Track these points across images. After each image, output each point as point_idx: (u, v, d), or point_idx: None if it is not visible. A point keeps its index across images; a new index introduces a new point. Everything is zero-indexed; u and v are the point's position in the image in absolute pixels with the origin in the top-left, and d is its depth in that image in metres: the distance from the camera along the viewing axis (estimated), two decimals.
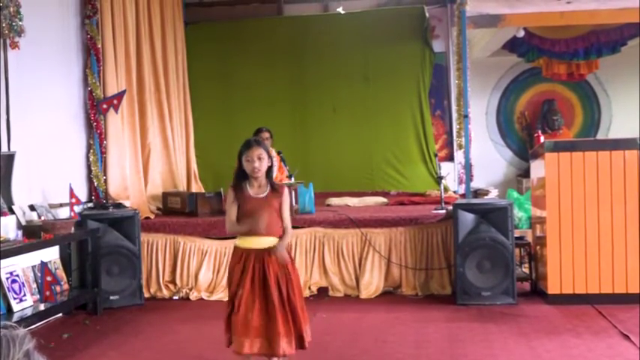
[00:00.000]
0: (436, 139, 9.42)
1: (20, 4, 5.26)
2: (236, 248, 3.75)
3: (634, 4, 6.88)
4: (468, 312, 5.54)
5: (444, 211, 6.39)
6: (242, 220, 3.68)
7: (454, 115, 8.63)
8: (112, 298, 5.93)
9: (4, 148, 5.18)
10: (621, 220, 5.60)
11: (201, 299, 6.26)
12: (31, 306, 5.05)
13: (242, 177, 3.71)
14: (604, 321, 5.06)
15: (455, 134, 8.60)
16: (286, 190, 3.76)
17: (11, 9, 5.17)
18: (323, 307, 5.81)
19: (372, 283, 6.24)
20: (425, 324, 5.17)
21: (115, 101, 6.56)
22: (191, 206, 6.89)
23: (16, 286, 4.98)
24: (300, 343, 3.66)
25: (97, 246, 5.79)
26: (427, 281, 6.24)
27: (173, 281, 6.44)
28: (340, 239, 6.32)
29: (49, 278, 5.22)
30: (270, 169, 3.72)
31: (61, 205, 5.89)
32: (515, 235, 6.03)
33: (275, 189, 3.72)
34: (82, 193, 6.36)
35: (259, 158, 3.65)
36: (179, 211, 7.02)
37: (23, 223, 5.26)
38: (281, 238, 3.68)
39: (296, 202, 6.61)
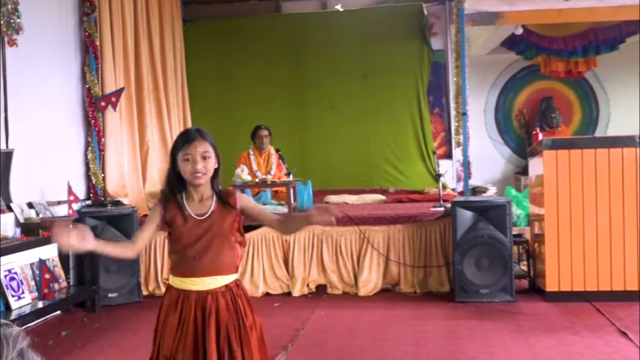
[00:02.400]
0: (434, 137, 9.42)
1: (18, 1, 5.26)
2: (169, 288, 2.60)
3: (633, 1, 6.86)
4: (466, 309, 5.54)
5: (442, 209, 6.39)
6: (177, 253, 2.57)
7: (452, 113, 8.61)
8: (110, 295, 5.93)
9: (2, 146, 5.18)
10: (619, 218, 5.60)
11: None
12: (29, 304, 5.05)
13: (176, 185, 2.57)
14: (602, 318, 5.07)
15: (453, 132, 8.56)
16: (238, 193, 2.70)
17: (9, 6, 5.16)
18: (321, 305, 5.82)
19: (370, 281, 6.24)
20: (423, 321, 5.17)
21: (114, 99, 6.55)
22: None
23: (14, 284, 4.98)
24: None
25: None
26: (425, 279, 6.24)
27: None
28: (339, 237, 6.32)
29: (47, 276, 5.22)
30: (217, 172, 2.58)
31: (59, 203, 5.89)
32: (514, 233, 6.03)
33: (223, 200, 2.57)
34: (80, 191, 6.35)
35: (204, 157, 2.50)
36: None
37: (21, 220, 5.26)
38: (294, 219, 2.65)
39: (294, 200, 6.61)
